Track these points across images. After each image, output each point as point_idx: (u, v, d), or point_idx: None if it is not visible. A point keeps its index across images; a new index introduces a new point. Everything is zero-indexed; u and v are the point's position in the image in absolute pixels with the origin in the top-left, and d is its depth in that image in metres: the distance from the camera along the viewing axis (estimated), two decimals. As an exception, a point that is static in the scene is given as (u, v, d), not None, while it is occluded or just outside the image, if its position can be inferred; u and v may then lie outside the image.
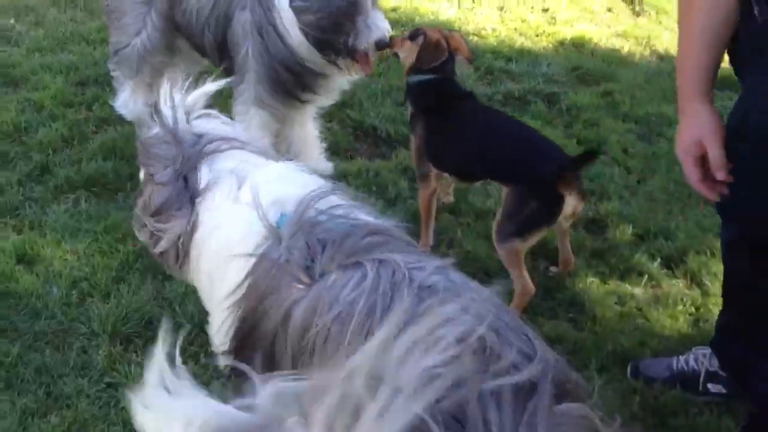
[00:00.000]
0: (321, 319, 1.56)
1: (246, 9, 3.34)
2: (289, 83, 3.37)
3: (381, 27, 3.15)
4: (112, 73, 3.90)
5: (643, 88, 4.68)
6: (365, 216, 1.81)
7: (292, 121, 3.63)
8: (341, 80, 3.47)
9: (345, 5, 3.11)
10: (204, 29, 3.48)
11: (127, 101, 3.85)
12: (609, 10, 5.89)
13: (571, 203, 2.78)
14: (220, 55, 3.51)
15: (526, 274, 2.85)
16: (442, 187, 3.44)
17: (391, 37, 3.23)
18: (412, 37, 3.20)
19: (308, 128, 3.74)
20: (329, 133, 4.07)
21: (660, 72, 4.92)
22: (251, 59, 3.35)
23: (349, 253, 1.63)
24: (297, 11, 3.18)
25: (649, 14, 5.80)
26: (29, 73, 4.48)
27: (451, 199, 3.56)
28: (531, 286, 2.84)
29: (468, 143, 2.98)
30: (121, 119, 4.02)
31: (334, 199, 1.82)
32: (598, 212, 3.51)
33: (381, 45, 3.17)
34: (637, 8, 5.92)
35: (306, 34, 3.21)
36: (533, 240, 2.84)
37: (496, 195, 3.59)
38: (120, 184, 3.56)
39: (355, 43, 3.16)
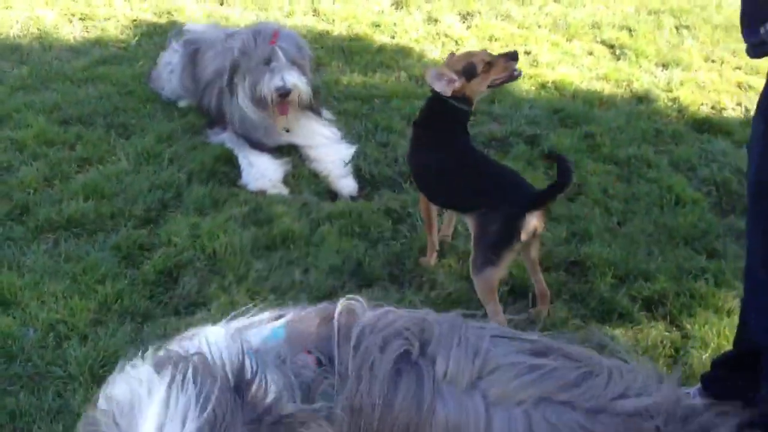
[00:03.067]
0: None
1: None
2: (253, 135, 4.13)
3: (285, 79, 3.84)
4: None
5: (623, 130, 4.73)
6: None
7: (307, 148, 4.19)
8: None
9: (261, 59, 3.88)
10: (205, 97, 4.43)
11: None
12: (590, 53, 5.96)
13: (533, 221, 2.85)
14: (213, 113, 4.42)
15: (500, 308, 2.93)
16: (445, 221, 3.54)
17: (490, 62, 3.07)
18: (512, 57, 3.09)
19: (322, 151, 4.14)
20: (311, 173, 4.09)
21: (640, 114, 4.97)
22: (234, 115, 4.17)
23: None
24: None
25: (629, 58, 5.88)
26: (12, 111, 4.48)
27: (448, 234, 3.57)
28: (504, 321, 2.88)
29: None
30: (102, 159, 4.02)
31: None
32: (579, 254, 3.52)
33: (282, 92, 3.85)
34: (618, 52, 6.01)
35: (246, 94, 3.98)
36: (505, 263, 2.91)
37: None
38: (101, 224, 3.54)
39: (262, 90, 3.86)
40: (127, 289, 3.14)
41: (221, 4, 6.39)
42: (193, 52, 4.53)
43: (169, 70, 4.66)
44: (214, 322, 2.92)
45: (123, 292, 3.11)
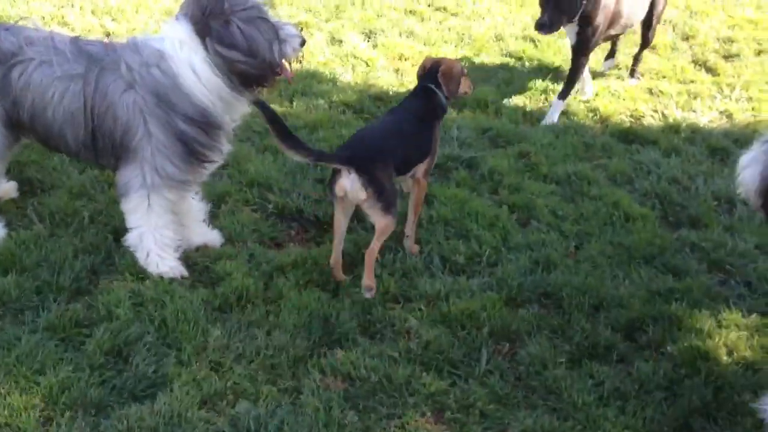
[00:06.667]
0: None
1: (130, 90, 3.15)
2: (197, 144, 3.23)
3: (297, 33, 3.27)
4: None
5: (555, 146, 4.68)
6: None
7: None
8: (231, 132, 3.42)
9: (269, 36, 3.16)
10: (67, 127, 3.25)
11: None
12: (500, 67, 5.92)
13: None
14: (94, 149, 3.28)
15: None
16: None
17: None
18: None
19: (189, 201, 3.54)
20: (250, 220, 3.77)
21: (566, 129, 4.95)
22: (153, 135, 3.17)
23: None
24: (220, 59, 3.13)
25: (540, 70, 5.87)
26: None
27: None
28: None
29: None
30: (11, 223, 3.56)
31: None
32: (548, 284, 3.40)
33: (302, 44, 3.30)
34: (526, 64, 5.99)
35: (229, 76, 3.17)
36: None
37: (443, 278, 3.42)
38: (25, 301, 3.11)
39: (283, 52, 3.21)
40: (73, 376, 2.75)
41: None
42: None
43: None
44: (180, 407, 2.63)
45: (69, 381, 2.72)
